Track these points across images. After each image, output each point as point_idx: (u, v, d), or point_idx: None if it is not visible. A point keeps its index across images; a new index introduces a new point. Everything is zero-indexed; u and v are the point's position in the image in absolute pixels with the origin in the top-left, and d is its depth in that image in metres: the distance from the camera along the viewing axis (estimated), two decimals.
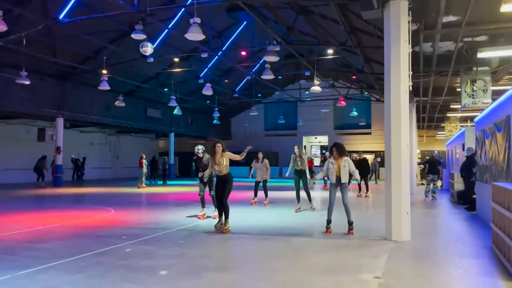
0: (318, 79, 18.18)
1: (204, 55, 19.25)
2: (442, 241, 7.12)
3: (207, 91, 19.52)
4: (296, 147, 10.79)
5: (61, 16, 15.42)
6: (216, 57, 24.60)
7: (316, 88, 17.78)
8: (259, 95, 30.96)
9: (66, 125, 26.46)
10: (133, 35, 13.77)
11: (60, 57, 19.73)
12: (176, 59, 21.64)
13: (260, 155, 12.03)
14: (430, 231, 8.04)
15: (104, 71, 20.90)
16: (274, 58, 13.10)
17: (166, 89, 25.23)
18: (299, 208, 10.44)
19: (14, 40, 16.12)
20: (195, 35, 10.74)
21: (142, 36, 13.82)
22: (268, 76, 15.62)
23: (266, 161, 11.93)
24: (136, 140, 33.97)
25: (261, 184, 11.80)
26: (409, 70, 6.56)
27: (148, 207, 12.59)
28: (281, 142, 36.92)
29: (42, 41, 18.31)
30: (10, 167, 23.15)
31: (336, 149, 7.36)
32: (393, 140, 6.54)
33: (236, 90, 29.68)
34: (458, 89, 13.67)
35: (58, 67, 20.91)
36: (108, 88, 18.34)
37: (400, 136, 6.48)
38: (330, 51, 17.83)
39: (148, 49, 14.18)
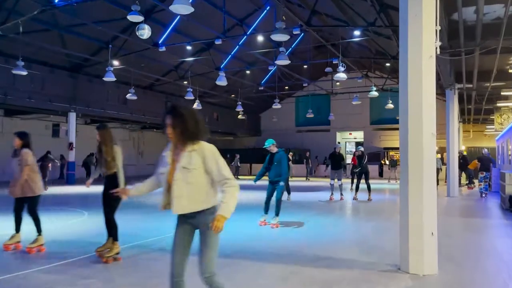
0: (343, 65, 16.02)
1: (218, 42, 17.57)
2: (484, 275, 4.87)
3: (221, 81, 17.83)
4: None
5: (56, 0, 14.18)
6: (237, 46, 22.99)
7: (341, 75, 15.66)
8: (286, 87, 28.95)
9: (86, 121, 25.87)
10: (129, 17, 12.31)
11: (70, 48, 18.72)
12: (189, 47, 20.02)
13: (17, 142, 5.80)
14: (469, 257, 5.77)
15: (116, 62, 19.83)
16: (282, 38, 11.16)
17: (185, 82, 23.74)
18: (113, 255, 5.21)
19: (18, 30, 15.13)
20: (181, 7, 9.01)
21: (139, 18, 12.37)
22: (283, 61, 13.69)
23: (26, 153, 5.70)
24: (162, 136, 32.77)
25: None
26: (436, 25, 4.49)
27: (141, 211, 10.94)
28: (314, 138, 34.81)
29: (49, 31, 17.32)
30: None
31: (173, 119, 2.98)
32: (411, 127, 4.49)
33: (262, 82, 27.83)
34: (511, 70, 11.20)
35: (69, 59, 19.95)
36: (114, 79, 17.08)
37: (421, 121, 4.43)
38: (357, 32, 15.65)
39: (145, 31, 12.70)
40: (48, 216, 9.08)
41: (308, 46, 25.23)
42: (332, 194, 12.76)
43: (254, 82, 27.66)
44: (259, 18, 21.65)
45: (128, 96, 20.22)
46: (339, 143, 30.66)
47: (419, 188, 4.43)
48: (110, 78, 16.85)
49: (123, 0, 16.19)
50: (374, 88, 20.51)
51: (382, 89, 24.80)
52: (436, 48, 4.48)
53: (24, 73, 15.12)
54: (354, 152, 13.77)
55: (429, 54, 4.42)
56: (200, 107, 24.18)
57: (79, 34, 18.22)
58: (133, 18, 12.31)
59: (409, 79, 4.47)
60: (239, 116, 28.29)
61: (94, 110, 21.96)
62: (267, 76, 27.98)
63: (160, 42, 18.84)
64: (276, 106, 25.15)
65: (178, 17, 19.06)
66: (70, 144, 20.44)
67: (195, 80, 24.31)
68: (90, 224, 8.09)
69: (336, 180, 12.52)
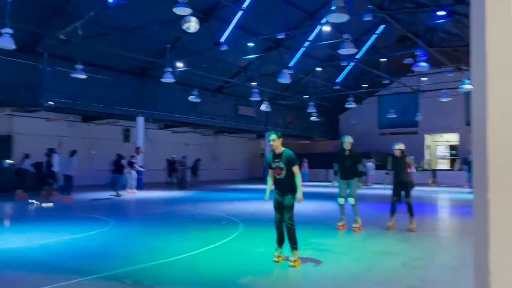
0: (426, 53, 13.52)
1: (281, 36, 16.16)
2: None
3: (284, 79, 16.27)
4: None
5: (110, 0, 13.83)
6: (307, 42, 21.31)
7: (423, 64, 13.18)
8: (364, 85, 26.45)
9: (159, 126, 25.99)
10: (175, 10, 11.38)
11: (135, 51, 18.55)
12: (251, 44, 18.79)
13: None
14: None
15: (180, 64, 19.33)
16: (339, 18, 9.28)
17: (254, 83, 22.49)
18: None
19: (82, 35, 15.11)
20: None
21: (187, 11, 11.38)
22: (347, 50, 11.75)
23: None
24: (235, 140, 32.31)
25: None
26: None
27: (175, 220, 9.74)
28: (399, 141, 31.58)
29: (111, 34, 17.23)
30: (102, 168, 23.02)
31: None
32: (492, 101, 2.54)
33: (337, 81, 25.69)
34: None
35: (134, 63, 19.90)
36: (172, 80, 16.47)
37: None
38: (441, 12, 13.10)
39: (192, 24, 11.62)
40: (68, 225, 8.26)
41: (391, 39, 22.73)
42: (341, 219, 7.95)
43: (329, 81, 25.67)
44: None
45: (191, 98, 19.57)
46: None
47: (509, 217, 2.44)
48: (168, 79, 16.24)
49: None
50: (467, 81, 17.41)
51: None
52: None
53: (83, 76, 15.06)
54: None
55: None
56: (269, 109, 22.90)
57: (141, 37, 17.95)
58: (179, 10, 11.38)
59: (487, 21, 2.52)
60: (312, 118, 26.43)
61: (162, 114, 21.72)
62: (343, 74, 25.80)
63: (222, 40, 17.90)
64: (351, 105, 22.95)
65: (240, 13, 18.00)
66: (137, 148, 20.32)
67: (264, 81, 23.09)
68: (108, 235, 7.05)
69: (344, 197, 7.85)
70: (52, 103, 16.94)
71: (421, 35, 16.28)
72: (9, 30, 11.12)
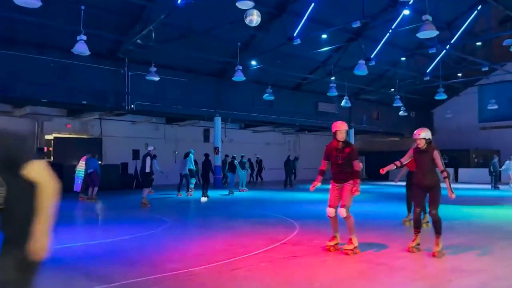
0: None
1: (356, 25, 14.92)
2: None
3: (361, 70, 15.05)
4: None
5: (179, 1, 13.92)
6: (390, 31, 19.67)
7: None
8: (458, 74, 23.75)
9: (240, 126, 26.10)
10: (238, 4, 11.09)
11: (209, 52, 18.67)
12: (324, 35, 17.77)
13: None
14: None
15: (253, 62, 19.08)
16: None
17: (333, 78, 21.27)
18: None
19: (156, 39, 15.55)
20: None
21: (249, 4, 11.06)
22: (426, 33, 10.32)
23: None
24: (318, 138, 31.22)
25: None
26: None
27: (237, 222, 9.25)
28: (504, 136, 28.00)
29: (186, 37, 17.48)
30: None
31: None
32: None
33: (427, 72, 23.41)
34: None
35: (210, 64, 20.06)
36: (243, 79, 16.22)
37: None
38: None
39: (254, 17, 11.27)
40: (126, 225, 8.23)
41: (491, 21, 20.05)
42: (333, 238, 5.77)
43: (418, 72, 23.51)
44: None
45: (265, 96, 19.18)
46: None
47: None
48: (240, 78, 16.01)
49: None
50: None
51: None
52: None
53: (157, 78, 15.42)
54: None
55: None
56: (348, 105, 21.62)
57: (215, 37, 17.92)
58: (242, 4, 11.09)
59: None
60: (400, 113, 24.45)
61: (239, 114, 21.66)
62: (434, 63, 23.41)
63: (295, 35, 17.19)
64: (441, 97, 20.70)
65: (313, 5, 17.11)
66: (216, 148, 20.48)
67: (345, 76, 21.83)
68: (150, 240, 6.83)
69: (335, 207, 5.75)
70: (133, 106, 17.72)
71: None
72: (83, 37, 11.69)
